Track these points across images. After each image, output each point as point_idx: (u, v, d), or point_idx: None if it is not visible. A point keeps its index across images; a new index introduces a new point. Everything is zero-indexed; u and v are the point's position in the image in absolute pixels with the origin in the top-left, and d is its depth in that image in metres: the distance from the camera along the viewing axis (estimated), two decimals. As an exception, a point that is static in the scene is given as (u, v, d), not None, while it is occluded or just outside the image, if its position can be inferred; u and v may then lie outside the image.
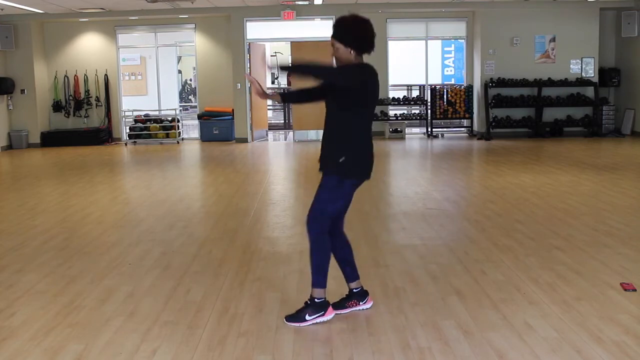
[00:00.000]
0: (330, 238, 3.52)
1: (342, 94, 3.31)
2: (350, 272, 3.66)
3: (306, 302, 3.54)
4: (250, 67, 13.94)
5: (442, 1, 13.32)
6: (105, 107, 14.52)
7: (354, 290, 3.66)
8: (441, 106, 14.00)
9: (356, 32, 3.29)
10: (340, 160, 3.36)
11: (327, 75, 3.34)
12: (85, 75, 14.40)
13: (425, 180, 8.52)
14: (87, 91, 14.43)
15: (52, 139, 13.99)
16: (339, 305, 3.63)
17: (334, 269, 3.64)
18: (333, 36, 3.33)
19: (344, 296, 3.70)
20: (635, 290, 3.95)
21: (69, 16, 13.62)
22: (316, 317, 3.48)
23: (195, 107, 16.84)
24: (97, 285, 4.32)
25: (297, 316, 3.50)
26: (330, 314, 3.52)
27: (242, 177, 9.16)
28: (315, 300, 3.49)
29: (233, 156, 11.72)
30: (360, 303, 3.65)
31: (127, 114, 14.47)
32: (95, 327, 3.56)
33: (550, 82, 13.44)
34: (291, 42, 14.16)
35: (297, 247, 5.25)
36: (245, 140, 14.02)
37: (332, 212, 3.46)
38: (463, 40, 14.36)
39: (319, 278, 3.48)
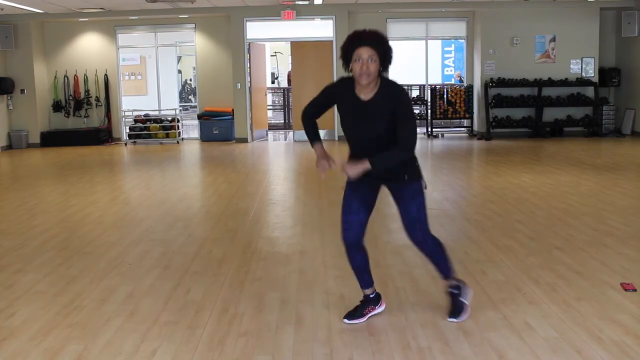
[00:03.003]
0: (358, 247, 3.48)
1: None
2: (367, 278, 3.58)
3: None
4: (250, 67, 13.94)
5: (442, 1, 13.31)
6: (105, 107, 14.52)
7: (370, 296, 3.60)
8: (441, 106, 14.00)
9: (391, 52, 3.22)
10: (417, 164, 3.39)
11: (413, 143, 3.23)
12: (85, 75, 14.39)
13: (426, 180, 8.51)
14: (87, 91, 14.43)
15: (52, 139, 13.98)
16: (354, 315, 3.54)
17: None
18: (374, 49, 3.12)
19: (359, 304, 3.60)
20: (635, 290, 3.95)
21: (68, 16, 13.62)
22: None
23: (195, 107, 16.85)
24: (97, 285, 4.32)
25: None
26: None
27: (242, 177, 9.16)
28: (458, 284, 3.56)
29: (233, 156, 11.72)
30: (376, 307, 3.62)
31: (127, 114, 14.47)
32: (95, 327, 3.56)
33: (551, 82, 13.44)
34: (291, 42, 14.16)
35: (297, 247, 5.25)
36: (245, 140, 14.02)
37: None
38: (463, 40, 14.36)
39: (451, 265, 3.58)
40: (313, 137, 3.47)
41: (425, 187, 3.42)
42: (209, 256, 5.01)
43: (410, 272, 4.44)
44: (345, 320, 3.52)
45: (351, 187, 3.40)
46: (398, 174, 3.33)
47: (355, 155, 3.33)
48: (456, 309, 3.53)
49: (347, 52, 3.18)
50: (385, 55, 3.17)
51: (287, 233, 5.76)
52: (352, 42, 3.17)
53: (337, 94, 3.35)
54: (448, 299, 3.58)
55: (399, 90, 3.24)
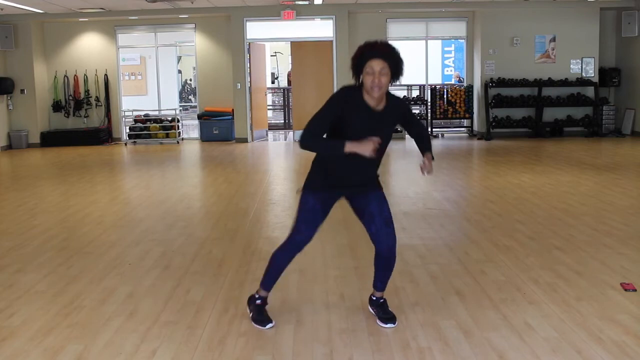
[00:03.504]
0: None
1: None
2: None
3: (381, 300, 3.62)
4: (250, 67, 13.95)
5: (442, 1, 13.31)
6: (105, 107, 14.52)
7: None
8: (441, 106, 14.00)
9: (402, 65, 3.22)
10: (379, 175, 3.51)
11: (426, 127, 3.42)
12: (85, 75, 14.39)
13: (425, 180, 8.51)
14: (87, 91, 14.43)
15: (52, 139, 13.98)
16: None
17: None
18: (386, 62, 3.12)
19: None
20: (635, 290, 3.95)
21: (69, 16, 13.62)
22: None
23: (195, 107, 16.85)
24: (97, 285, 4.32)
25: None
26: None
27: (242, 177, 9.16)
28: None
29: (233, 156, 11.72)
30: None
31: (127, 114, 14.47)
32: (95, 327, 3.56)
33: (551, 82, 13.44)
34: (291, 42, 14.16)
35: (297, 247, 5.24)
36: (245, 140, 14.02)
37: None
38: (463, 40, 14.36)
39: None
40: (336, 142, 3.19)
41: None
42: (209, 256, 5.01)
43: (410, 272, 4.44)
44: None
45: (321, 200, 3.36)
46: (374, 180, 3.44)
47: (348, 160, 3.24)
48: (391, 315, 3.53)
49: (359, 63, 3.17)
50: (397, 68, 3.18)
51: (287, 233, 5.74)
52: (364, 54, 3.16)
53: (345, 103, 3.24)
54: (379, 309, 3.56)
55: (405, 103, 3.49)
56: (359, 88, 3.23)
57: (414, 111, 15.48)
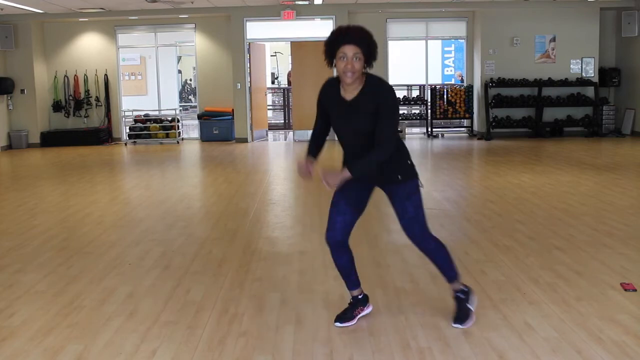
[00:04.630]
0: (342, 247, 3.43)
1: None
2: (354, 279, 3.53)
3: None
4: (250, 67, 13.94)
5: (442, 1, 13.31)
6: (105, 107, 14.52)
7: (359, 297, 3.56)
8: (441, 106, 14.00)
9: (376, 49, 3.17)
10: (409, 162, 3.33)
11: (390, 138, 3.14)
12: (85, 75, 14.39)
13: (425, 180, 8.50)
14: (87, 91, 14.43)
15: (52, 139, 13.98)
16: (344, 317, 3.51)
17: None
18: (359, 47, 3.08)
19: (348, 306, 3.56)
20: (635, 290, 3.95)
21: (69, 16, 13.62)
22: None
23: (195, 107, 16.85)
24: (97, 285, 4.32)
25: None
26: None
27: (242, 177, 9.16)
28: (464, 289, 3.51)
29: (233, 156, 11.72)
30: (365, 308, 3.59)
31: (127, 114, 14.47)
32: (95, 327, 3.56)
33: (551, 82, 13.44)
34: (291, 42, 14.16)
35: (297, 247, 5.25)
36: (245, 140, 14.02)
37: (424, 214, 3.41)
38: (463, 40, 14.36)
39: (454, 267, 3.51)
40: (310, 150, 3.44)
41: (422, 186, 3.38)
42: (209, 256, 5.01)
43: (410, 272, 4.44)
44: (337, 324, 3.48)
45: (341, 186, 3.30)
46: (391, 175, 3.29)
47: (346, 157, 3.34)
48: (462, 315, 3.46)
49: (331, 49, 3.15)
50: (370, 53, 3.13)
51: (287, 233, 5.77)
52: (337, 39, 3.13)
53: (324, 96, 3.32)
54: (454, 304, 3.52)
55: (384, 89, 3.17)
56: (337, 80, 3.25)
57: (414, 111, 15.65)
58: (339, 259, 3.44)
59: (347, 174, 3.13)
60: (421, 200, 3.37)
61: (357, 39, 3.10)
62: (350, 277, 3.51)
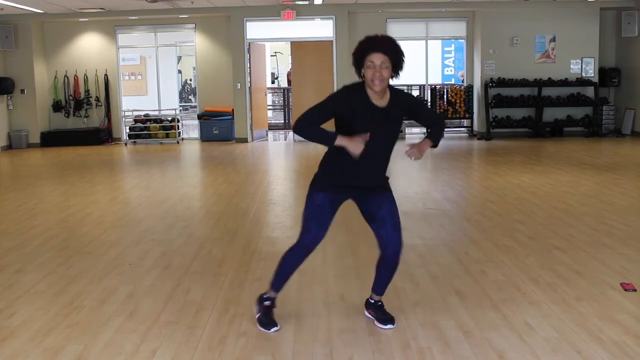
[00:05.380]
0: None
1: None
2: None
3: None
4: (250, 67, 13.94)
5: (442, 1, 13.31)
6: (105, 107, 14.52)
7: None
8: (441, 106, 13.99)
9: (403, 59, 3.22)
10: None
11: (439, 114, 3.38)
12: (85, 75, 14.39)
13: (425, 180, 8.52)
14: (87, 91, 14.43)
15: (52, 139, 13.98)
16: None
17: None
18: (387, 56, 3.12)
19: (272, 310, 3.55)
20: (635, 290, 3.95)
21: (69, 16, 13.61)
22: None
23: (195, 107, 16.85)
24: (97, 285, 4.32)
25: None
26: None
27: (242, 177, 9.16)
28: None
29: (233, 156, 11.72)
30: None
31: (127, 114, 14.47)
32: (95, 327, 3.56)
33: (551, 82, 13.44)
34: (291, 42, 14.16)
35: (297, 247, 5.24)
36: (245, 140, 14.02)
37: None
38: (463, 40, 14.36)
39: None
40: (329, 133, 3.20)
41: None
42: (209, 256, 5.01)
43: (411, 272, 4.44)
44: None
45: (329, 198, 3.31)
46: (384, 182, 3.40)
47: (351, 164, 3.25)
48: (389, 317, 3.51)
49: (360, 58, 3.18)
50: (397, 62, 3.18)
51: (287, 233, 5.76)
52: (365, 48, 3.16)
53: (348, 102, 3.21)
54: (376, 312, 3.54)
55: (408, 95, 3.57)
56: (362, 86, 3.22)
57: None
58: (300, 262, 3.45)
59: (427, 145, 3.40)
60: None
61: (384, 48, 3.15)
62: (288, 280, 3.53)
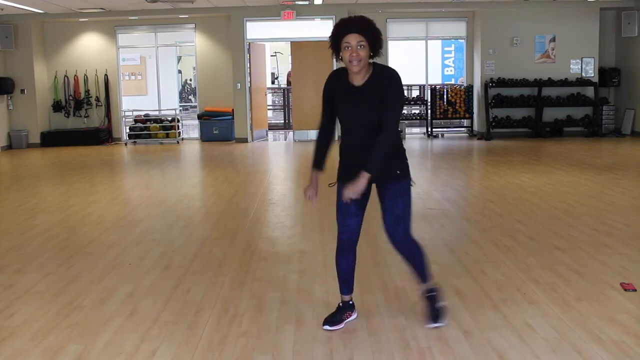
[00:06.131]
0: (352, 249, 3.45)
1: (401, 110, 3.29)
2: (352, 284, 3.54)
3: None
4: (250, 67, 13.94)
5: (442, 1, 13.31)
6: (105, 107, 14.52)
7: (350, 303, 3.56)
8: (441, 106, 13.99)
9: (380, 37, 3.21)
10: (407, 161, 3.38)
11: (395, 125, 3.22)
12: (85, 75, 14.39)
13: (425, 180, 8.52)
14: (87, 91, 14.43)
15: (52, 139, 13.98)
16: (333, 321, 3.47)
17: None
18: (362, 35, 3.11)
19: (336, 310, 3.54)
20: (635, 290, 3.95)
21: (69, 16, 13.61)
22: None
23: (195, 107, 16.85)
24: (97, 285, 4.32)
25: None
26: None
27: (242, 177, 9.16)
28: (435, 287, 3.53)
29: (233, 156, 11.72)
30: (352, 313, 3.56)
31: (127, 114, 14.47)
32: (95, 327, 3.56)
33: (551, 82, 13.43)
34: (291, 42, 14.16)
35: (297, 247, 5.24)
36: (245, 140, 14.02)
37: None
38: (463, 40, 14.36)
39: (429, 268, 3.54)
40: (316, 160, 3.41)
41: (414, 184, 3.42)
42: (209, 256, 5.01)
43: (411, 272, 4.43)
44: (326, 327, 3.45)
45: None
46: (391, 170, 3.30)
47: (347, 152, 3.34)
48: (437, 313, 3.47)
49: (336, 40, 3.19)
50: (374, 40, 3.16)
51: (287, 233, 5.76)
52: (340, 30, 3.17)
53: (332, 84, 3.32)
54: (425, 304, 3.50)
55: (390, 74, 3.23)
56: (345, 68, 3.25)
57: (414, 111, 15.65)
58: (345, 261, 3.44)
59: (365, 178, 3.12)
60: (411, 202, 3.39)
61: (359, 28, 3.14)
62: (348, 282, 3.51)
